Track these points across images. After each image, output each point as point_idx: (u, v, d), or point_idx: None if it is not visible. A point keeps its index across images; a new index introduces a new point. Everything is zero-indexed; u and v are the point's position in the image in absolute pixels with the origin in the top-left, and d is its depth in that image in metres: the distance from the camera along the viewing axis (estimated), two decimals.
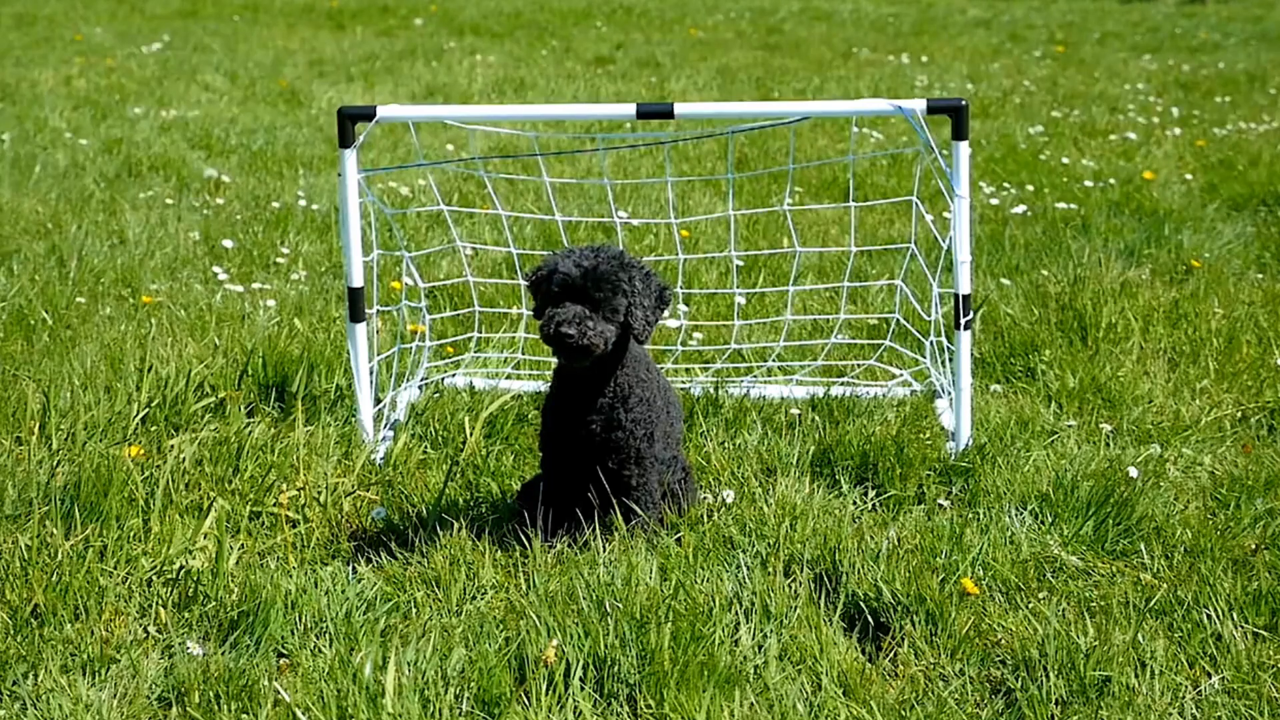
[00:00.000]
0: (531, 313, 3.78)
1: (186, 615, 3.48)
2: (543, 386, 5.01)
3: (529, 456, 4.48)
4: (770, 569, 3.65)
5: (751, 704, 3.10)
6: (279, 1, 21.28)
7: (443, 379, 5.16)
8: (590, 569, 3.58)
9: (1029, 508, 4.05)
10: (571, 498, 3.86)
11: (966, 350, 4.45)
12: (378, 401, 4.74)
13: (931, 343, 5.14)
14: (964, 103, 4.32)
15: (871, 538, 3.82)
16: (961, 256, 4.38)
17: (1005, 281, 6.45)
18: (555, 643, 3.21)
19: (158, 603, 3.53)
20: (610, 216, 7.31)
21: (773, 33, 17.84)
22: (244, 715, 3.05)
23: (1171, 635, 3.40)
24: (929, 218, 5.28)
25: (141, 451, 4.27)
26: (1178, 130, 10.67)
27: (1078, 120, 11.18)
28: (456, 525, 3.84)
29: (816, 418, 4.78)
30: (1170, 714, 3.10)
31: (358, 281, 4.51)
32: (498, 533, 3.91)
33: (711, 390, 4.93)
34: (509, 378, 5.23)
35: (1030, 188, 8.58)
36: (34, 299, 5.97)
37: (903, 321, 5.58)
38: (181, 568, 3.63)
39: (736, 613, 3.44)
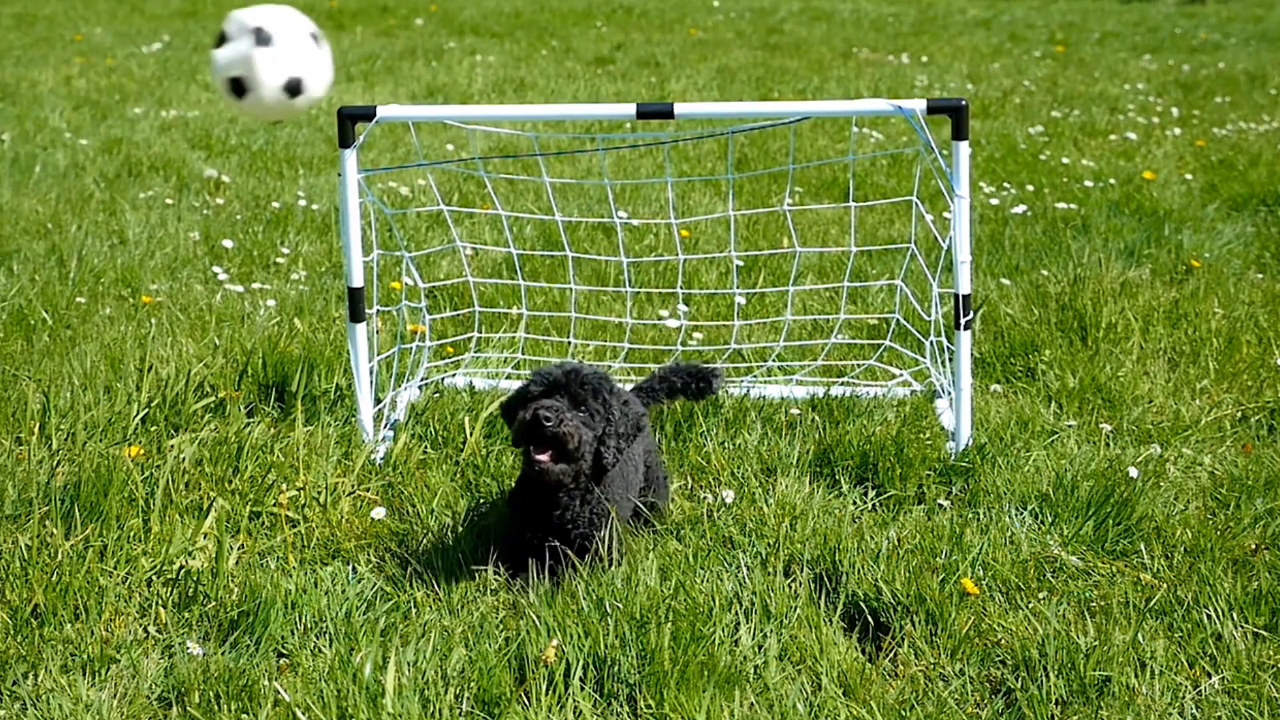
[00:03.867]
0: (509, 437, 3.66)
1: (186, 615, 3.48)
2: None
3: None
4: (770, 569, 3.65)
5: (751, 704, 3.11)
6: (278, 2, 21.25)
7: (443, 379, 5.16)
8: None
9: (1029, 508, 4.05)
10: (534, 549, 3.73)
11: (966, 350, 4.45)
12: (378, 401, 4.74)
13: (931, 343, 5.14)
14: (964, 103, 4.32)
15: (871, 538, 3.82)
16: (961, 256, 4.38)
17: (1005, 281, 6.44)
18: (555, 643, 3.21)
19: (158, 603, 3.53)
20: (610, 216, 7.31)
21: (773, 33, 17.83)
22: (244, 715, 3.06)
23: (1171, 635, 3.40)
24: (929, 218, 5.28)
25: (141, 451, 4.27)
26: (1178, 130, 10.67)
27: (1078, 120, 11.17)
28: (457, 526, 3.84)
29: (816, 418, 4.78)
30: (1170, 714, 3.10)
31: (358, 281, 4.52)
32: (498, 533, 3.91)
33: None
34: (509, 378, 5.23)
35: (1030, 188, 8.58)
36: (34, 299, 5.97)
37: (903, 321, 5.57)
38: (181, 568, 3.63)
39: (736, 613, 3.44)
